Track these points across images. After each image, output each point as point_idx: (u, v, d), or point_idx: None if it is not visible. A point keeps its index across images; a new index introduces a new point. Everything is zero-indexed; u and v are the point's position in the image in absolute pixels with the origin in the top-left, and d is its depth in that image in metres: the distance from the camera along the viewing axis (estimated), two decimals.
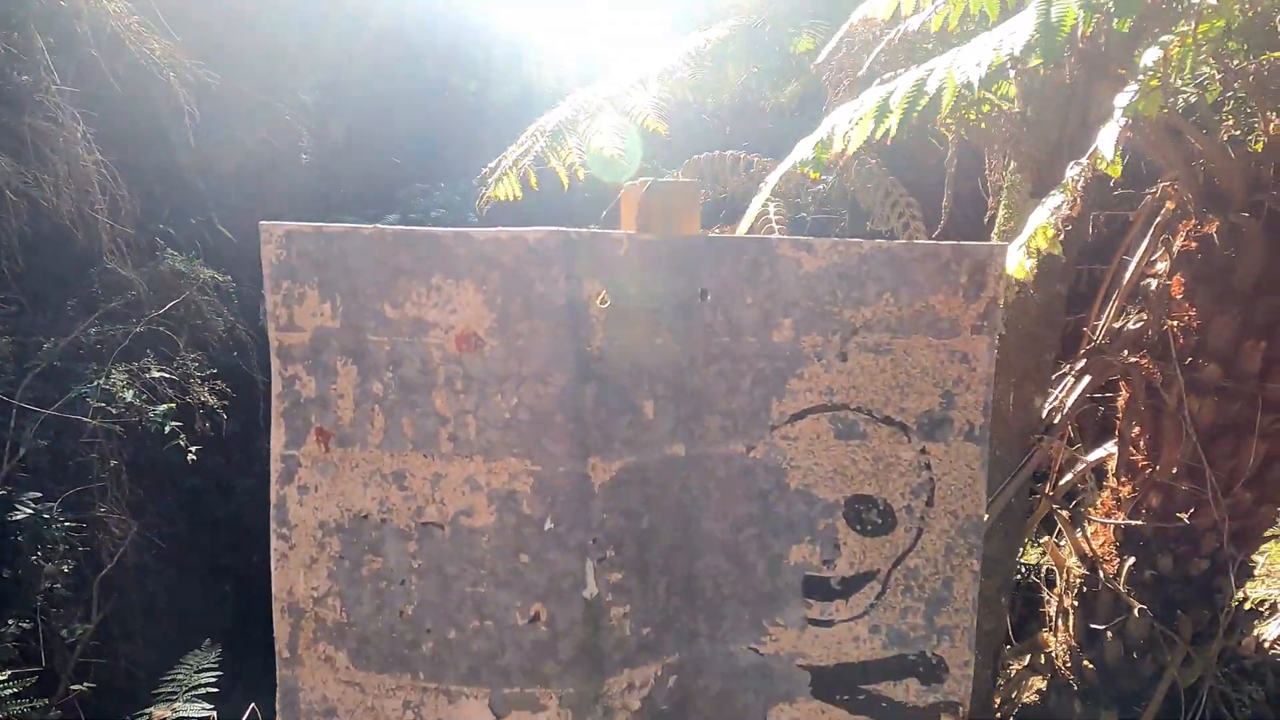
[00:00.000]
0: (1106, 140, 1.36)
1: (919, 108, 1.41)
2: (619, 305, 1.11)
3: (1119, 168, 1.59)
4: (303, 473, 1.14)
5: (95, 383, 5.17)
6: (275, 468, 1.15)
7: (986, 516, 3.54)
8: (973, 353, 1.24)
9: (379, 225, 1.06)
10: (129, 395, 5.34)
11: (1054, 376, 3.89)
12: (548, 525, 1.12)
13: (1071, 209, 1.54)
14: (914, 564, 1.28)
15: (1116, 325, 3.88)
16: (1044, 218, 1.53)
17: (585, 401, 1.10)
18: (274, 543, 1.17)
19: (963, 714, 1.30)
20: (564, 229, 1.05)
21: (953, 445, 1.26)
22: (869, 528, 1.27)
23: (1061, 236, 1.66)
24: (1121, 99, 1.50)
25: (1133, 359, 3.66)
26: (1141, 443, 3.80)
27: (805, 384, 1.23)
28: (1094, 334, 3.99)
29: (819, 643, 1.29)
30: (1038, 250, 1.69)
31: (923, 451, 1.26)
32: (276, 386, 1.13)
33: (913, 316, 1.22)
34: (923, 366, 1.24)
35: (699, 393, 1.20)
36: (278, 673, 1.18)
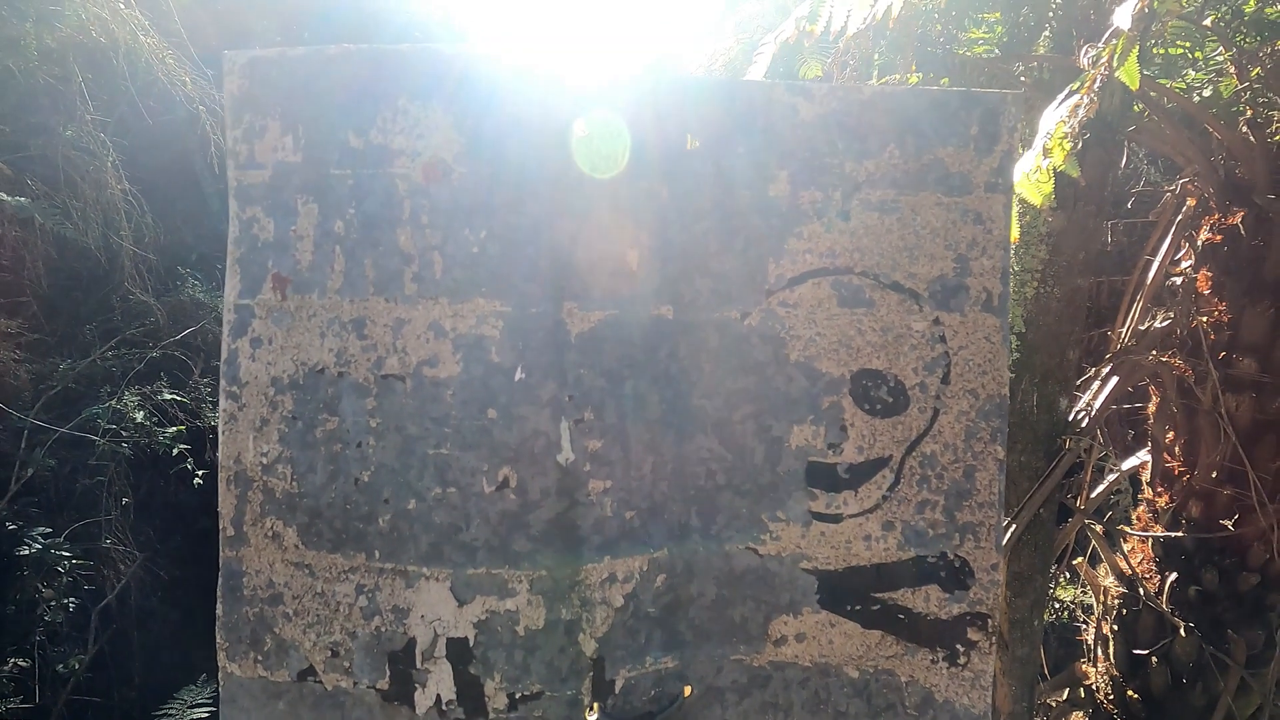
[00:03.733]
0: (1124, 13, 1.27)
1: None
2: (600, 137, 1.02)
3: (1136, 74, 1.50)
4: (256, 324, 1.05)
5: (108, 404, 5.16)
6: (227, 319, 1.05)
7: (1015, 528, 3.32)
8: (987, 212, 1.13)
9: (345, 44, 1.00)
10: (139, 416, 5.31)
11: (1079, 381, 3.72)
12: (518, 375, 1.00)
13: (1088, 110, 1.45)
14: (930, 450, 1.14)
15: (1143, 327, 3.73)
16: (1059, 119, 1.43)
17: (561, 237, 1.01)
18: (222, 403, 1.06)
19: (992, 628, 1.13)
20: (545, 48, 0.97)
21: (969, 316, 1.14)
22: (879, 407, 1.13)
23: (1079, 147, 1.55)
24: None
25: (1162, 358, 3.49)
26: (1177, 448, 3.58)
27: (805, 244, 1.13)
28: (1120, 338, 3.83)
29: (826, 542, 1.14)
30: (1052, 172, 1.59)
31: (936, 322, 1.13)
32: (233, 231, 1.05)
33: (920, 171, 1.12)
34: (933, 227, 1.13)
35: (688, 250, 1.10)
36: (220, 554, 1.06)
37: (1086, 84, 1.48)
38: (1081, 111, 1.44)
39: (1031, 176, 1.54)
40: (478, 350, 1.00)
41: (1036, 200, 1.65)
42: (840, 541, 1.14)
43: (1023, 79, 3.24)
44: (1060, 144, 1.52)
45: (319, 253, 1.03)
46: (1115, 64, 1.45)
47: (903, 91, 1.11)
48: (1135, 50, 1.49)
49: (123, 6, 6.22)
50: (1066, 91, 1.50)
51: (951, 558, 1.13)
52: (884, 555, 1.14)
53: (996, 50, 3.42)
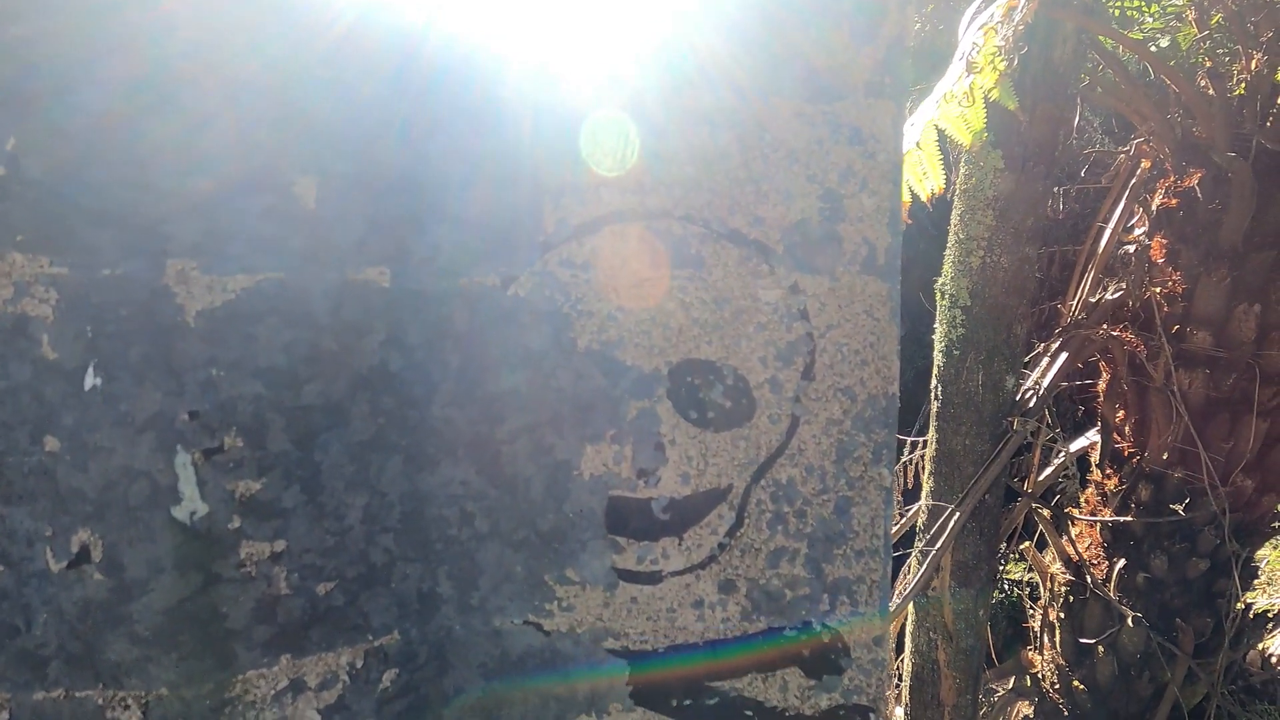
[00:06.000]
0: None
1: None
2: None
3: None
4: None
5: None
6: None
7: (959, 515, 3.04)
8: (869, 127, 0.76)
9: None
10: None
11: (1027, 358, 3.44)
12: (91, 380, 0.61)
13: (1027, 10, 1.08)
14: (788, 475, 0.77)
15: (1094, 299, 3.45)
16: (987, 25, 1.06)
17: (157, 153, 0.61)
18: None
19: None
20: None
21: (843, 280, 0.77)
22: (711, 415, 0.77)
23: (1014, 65, 1.19)
24: None
25: (1113, 332, 3.22)
26: (1127, 428, 3.33)
27: (598, 176, 0.74)
28: (1070, 311, 3.56)
29: (639, 611, 0.77)
30: (984, 99, 1.22)
31: (794, 289, 0.77)
32: None
33: (769, 67, 0.75)
34: (790, 149, 0.76)
35: (413, 181, 0.70)
36: None
37: None
38: (1020, 13, 1.07)
39: (955, 103, 1.17)
40: (20, 340, 0.60)
41: (964, 138, 1.29)
42: (660, 610, 0.77)
43: None
44: (992, 61, 1.16)
45: None
46: None
47: None
48: None
49: None
50: None
51: (818, 629, 0.78)
52: (723, 628, 0.77)
53: None
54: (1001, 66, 1.18)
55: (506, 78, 0.73)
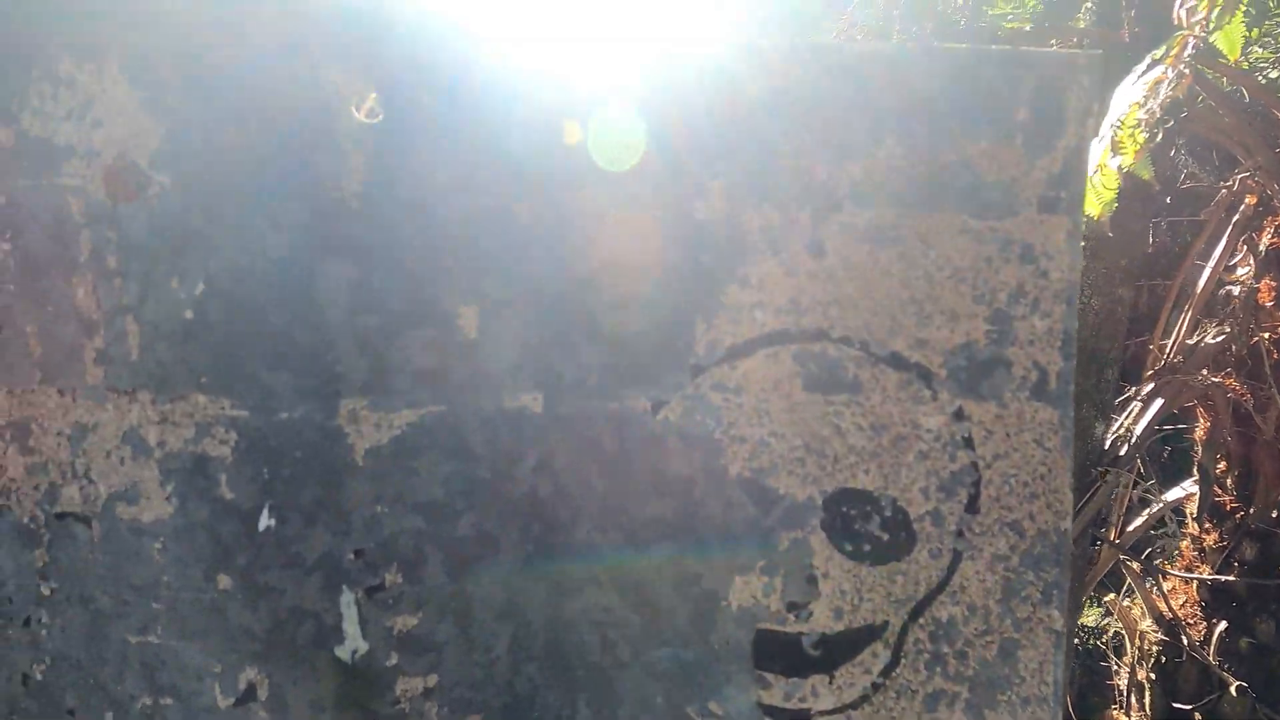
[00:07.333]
0: None
1: None
2: (401, 123, 0.62)
3: (1238, 40, 1.06)
4: None
5: None
6: None
7: None
8: (1042, 244, 0.71)
9: None
10: None
11: (1117, 401, 3.27)
12: (265, 521, 0.60)
13: (1176, 87, 1.01)
14: (948, 614, 0.72)
15: (1191, 342, 3.25)
16: (1133, 101, 0.99)
17: (331, 293, 0.60)
18: None
19: None
20: None
21: (1011, 407, 0.72)
22: (867, 548, 0.72)
23: (1159, 138, 1.12)
24: None
25: (1214, 379, 3.03)
26: (1229, 480, 3.12)
27: (753, 295, 0.71)
28: (1164, 353, 3.36)
29: None
30: (1118, 171, 1.15)
31: (959, 416, 0.72)
32: None
33: (935, 179, 0.71)
34: (955, 268, 0.72)
35: (565, 303, 0.69)
36: None
37: (1174, 50, 1.04)
38: (1166, 89, 1.01)
39: (1092, 179, 1.11)
40: (200, 478, 0.60)
41: (1094, 210, 1.22)
42: None
43: None
44: (1133, 135, 1.09)
45: None
46: (1213, 22, 1.02)
47: (907, 52, 0.69)
48: (1241, 6, 1.05)
49: None
50: (1147, 62, 1.06)
51: None
52: None
53: (1028, 25, 2.96)
54: (1142, 140, 1.11)
55: (657, 199, 0.71)
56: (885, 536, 0.72)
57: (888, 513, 0.72)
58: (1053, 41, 2.71)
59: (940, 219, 0.71)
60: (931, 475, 0.72)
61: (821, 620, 0.72)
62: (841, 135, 0.70)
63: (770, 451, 0.72)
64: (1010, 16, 3.07)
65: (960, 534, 0.72)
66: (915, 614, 0.72)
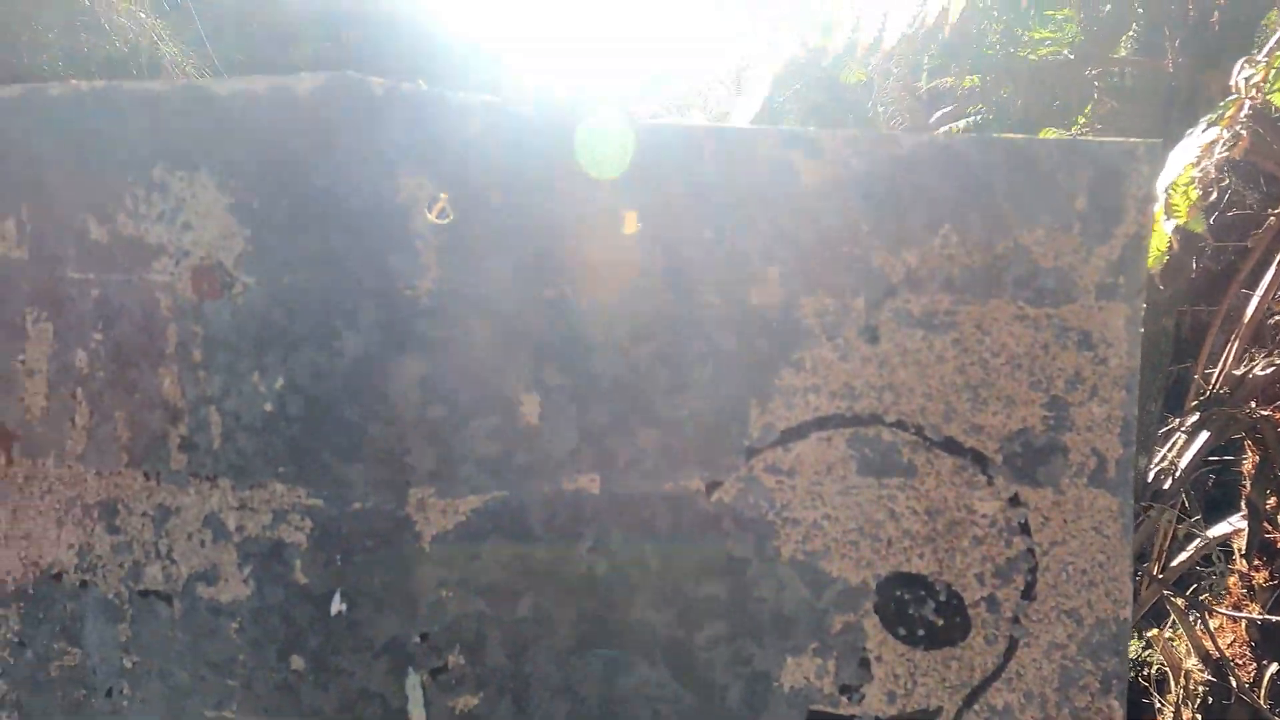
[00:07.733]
0: None
1: None
2: (468, 222, 0.64)
3: None
4: None
5: None
6: None
7: None
8: (1100, 331, 0.71)
9: (75, 81, 0.64)
10: None
11: (1160, 432, 3.19)
12: (337, 606, 0.63)
13: (1234, 149, 1.01)
14: (1004, 701, 0.72)
15: (1238, 372, 3.17)
16: (1188, 161, 0.99)
17: (402, 388, 0.63)
18: None
19: None
20: (363, 75, 0.60)
21: (1069, 494, 0.72)
22: (922, 633, 0.73)
23: (1213, 197, 1.11)
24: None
25: (1264, 412, 2.94)
26: (1279, 517, 3.03)
27: (807, 379, 0.72)
28: (1209, 384, 3.28)
29: None
30: (1173, 233, 1.14)
31: (1015, 502, 0.72)
32: None
33: (991, 266, 0.71)
34: (1011, 354, 0.72)
35: (624, 386, 0.70)
36: None
37: (1230, 111, 1.03)
38: (1221, 150, 1.00)
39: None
40: (276, 562, 0.63)
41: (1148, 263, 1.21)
42: None
43: (1096, 84, 2.74)
44: (1186, 193, 1.08)
45: (55, 396, 0.67)
46: (1270, 83, 1.01)
47: (963, 142, 0.70)
48: None
49: (144, 16, 6.19)
50: (1204, 123, 1.05)
51: None
52: None
53: (1068, 52, 2.92)
54: (1194, 196, 1.10)
55: (711, 281, 0.72)
56: (940, 621, 0.72)
57: (942, 597, 0.72)
58: (1092, 69, 2.67)
59: (996, 305, 0.71)
60: (987, 561, 0.72)
61: (874, 704, 0.72)
62: (898, 223, 0.71)
63: (824, 534, 0.73)
64: (1047, 43, 3.03)
65: (1016, 620, 0.72)
66: (970, 700, 0.72)
